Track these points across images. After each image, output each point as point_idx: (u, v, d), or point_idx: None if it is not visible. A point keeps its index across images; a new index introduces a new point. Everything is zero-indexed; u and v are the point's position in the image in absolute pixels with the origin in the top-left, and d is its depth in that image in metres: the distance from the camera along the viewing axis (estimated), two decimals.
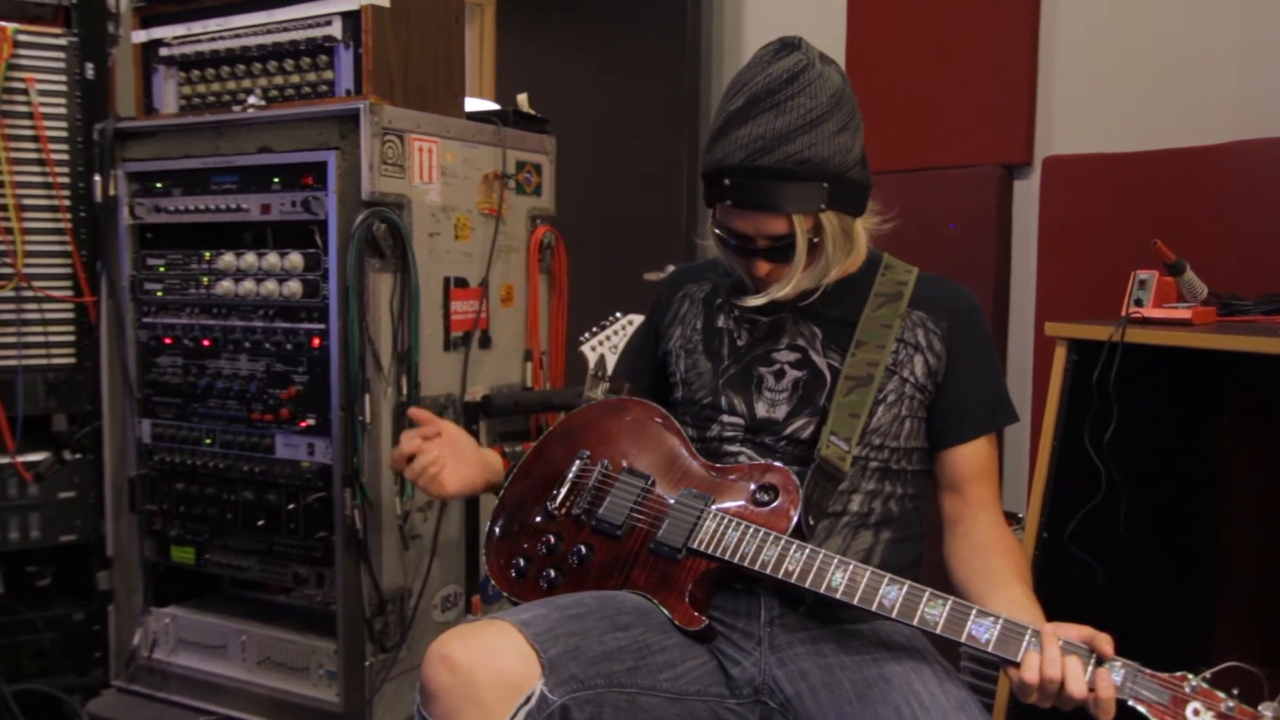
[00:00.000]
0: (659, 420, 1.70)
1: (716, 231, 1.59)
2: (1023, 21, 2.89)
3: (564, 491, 1.66)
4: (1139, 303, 1.97)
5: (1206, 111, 2.62)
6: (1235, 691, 1.17)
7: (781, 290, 1.55)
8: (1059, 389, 1.96)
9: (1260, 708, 1.14)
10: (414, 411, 1.83)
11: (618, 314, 2.49)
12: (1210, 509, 2.36)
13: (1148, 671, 1.22)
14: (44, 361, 2.60)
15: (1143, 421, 1.95)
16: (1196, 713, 1.16)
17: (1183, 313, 1.91)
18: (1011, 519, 2.33)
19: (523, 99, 2.77)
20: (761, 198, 1.49)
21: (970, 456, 1.60)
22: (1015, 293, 2.95)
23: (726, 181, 1.50)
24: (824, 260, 1.55)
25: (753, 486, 1.55)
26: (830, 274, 1.59)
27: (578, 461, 1.69)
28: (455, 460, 1.75)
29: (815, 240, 1.52)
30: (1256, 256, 2.35)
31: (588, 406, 1.81)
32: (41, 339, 2.59)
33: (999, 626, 1.30)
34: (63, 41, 2.59)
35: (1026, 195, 2.92)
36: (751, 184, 1.48)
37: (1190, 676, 1.19)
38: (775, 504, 1.53)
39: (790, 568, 1.43)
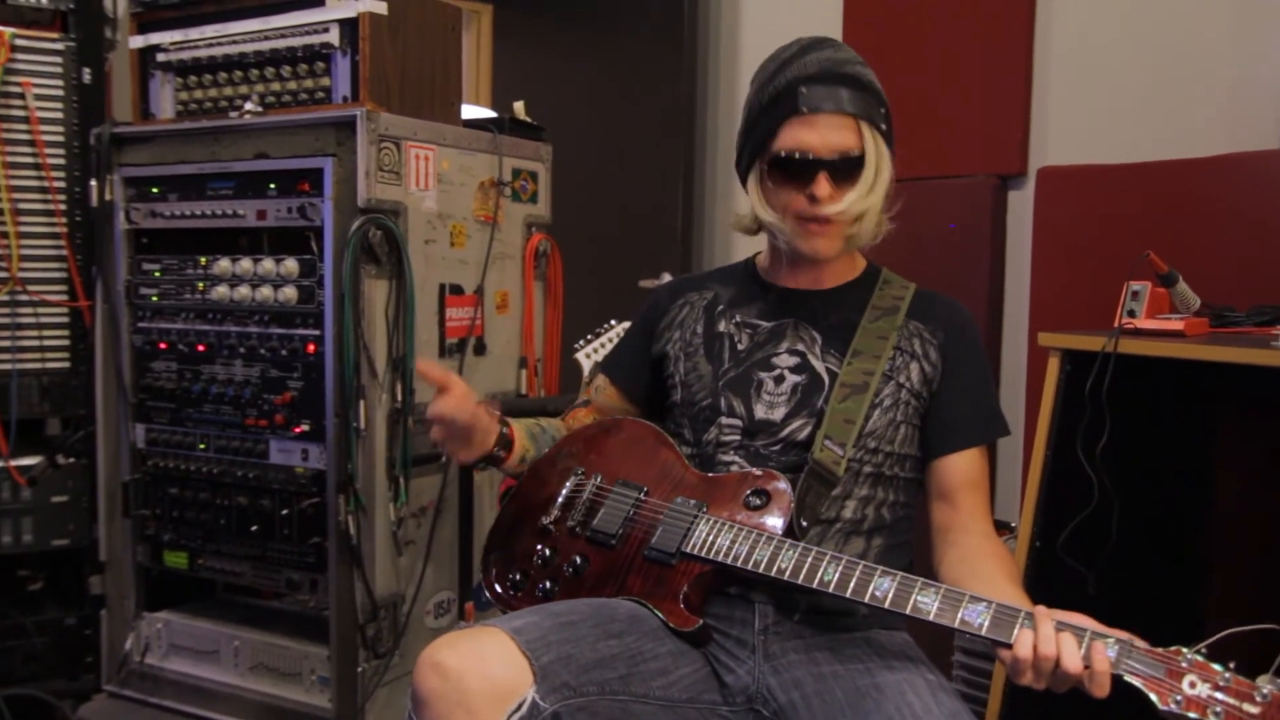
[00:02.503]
0: (653, 436, 1.71)
1: (776, 158, 1.58)
2: (1018, 32, 2.90)
3: (559, 507, 1.67)
4: (1132, 314, 1.98)
5: (1200, 124, 2.63)
6: (1232, 664, 1.16)
7: (838, 207, 1.55)
8: (1052, 399, 1.96)
9: (1259, 680, 1.14)
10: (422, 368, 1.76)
11: (612, 321, 2.50)
12: (1202, 519, 2.37)
13: (1142, 646, 1.21)
14: (38, 365, 2.60)
15: (1135, 432, 1.95)
16: (1193, 685, 1.15)
17: (1175, 324, 1.91)
18: (1004, 528, 2.34)
19: (519, 107, 2.78)
20: (841, 101, 1.54)
21: (962, 466, 1.61)
22: (1009, 303, 2.96)
23: (803, 90, 1.54)
24: (870, 206, 1.57)
25: (746, 492, 1.56)
26: (864, 236, 1.61)
27: (572, 478, 1.70)
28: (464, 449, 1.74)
29: (877, 169, 1.57)
30: (1249, 268, 2.35)
31: (582, 427, 1.81)
32: (36, 343, 2.60)
33: (992, 610, 1.30)
34: (60, 46, 2.59)
35: (1021, 205, 2.92)
36: (831, 89, 1.54)
37: (1185, 650, 1.18)
38: (768, 507, 1.53)
39: (783, 566, 1.44)
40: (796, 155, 1.55)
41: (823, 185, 1.54)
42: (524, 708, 1.30)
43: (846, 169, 1.55)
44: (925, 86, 3.03)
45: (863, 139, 1.55)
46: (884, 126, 1.59)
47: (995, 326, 2.95)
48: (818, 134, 1.54)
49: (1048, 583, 1.93)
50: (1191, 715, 1.14)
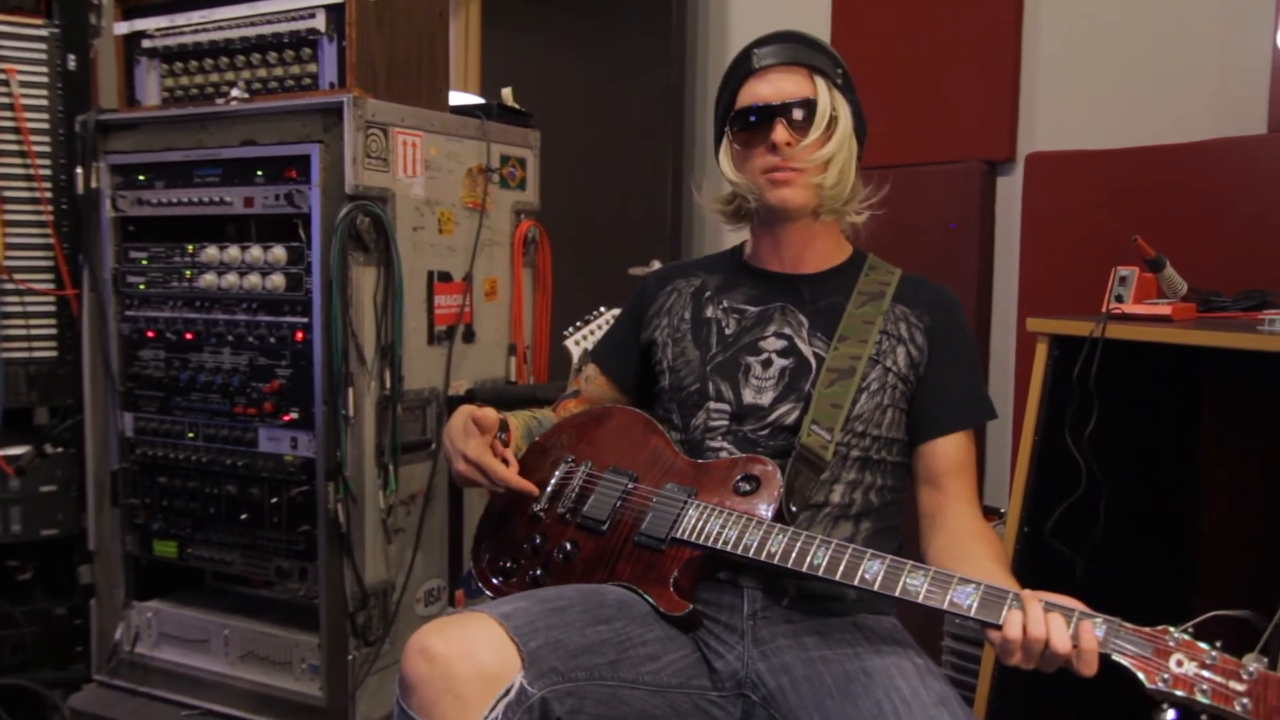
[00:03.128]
0: (642, 424, 1.71)
1: (735, 117, 1.67)
2: (1006, 17, 2.90)
3: (549, 495, 1.67)
4: (1120, 299, 1.98)
5: (1188, 109, 2.64)
6: (1219, 643, 1.17)
7: (796, 150, 1.61)
8: (1040, 384, 1.97)
9: (1245, 658, 1.15)
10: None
11: (601, 309, 2.49)
12: (1190, 503, 2.38)
13: (1129, 626, 1.22)
14: (25, 354, 2.59)
15: (1123, 416, 1.96)
16: (1180, 664, 1.16)
17: (1163, 309, 1.91)
18: (993, 514, 2.35)
19: (507, 93, 2.77)
20: (789, 54, 1.65)
21: (949, 450, 1.62)
22: (997, 288, 2.96)
23: (756, 51, 1.67)
24: (833, 161, 1.63)
25: (735, 477, 1.56)
26: (829, 187, 1.64)
27: (562, 466, 1.70)
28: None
29: (832, 116, 1.63)
30: (1236, 253, 2.36)
31: (571, 416, 1.81)
32: (23, 332, 2.58)
33: (980, 592, 1.30)
34: (44, 33, 2.58)
35: (1009, 191, 2.93)
36: (780, 46, 1.66)
37: (1172, 630, 1.19)
38: (757, 492, 1.53)
39: (773, 550, 1.44)
40: (753, 107, 1.64)
41: (780, 131, 1.61)
42: (512, 693, 1.30)
43: (802, 115, 1.62)
44: (914, 72, 3.03)
45: (815, 88, 1.64)
46: (839, 82, 1.66)
47: (984, 312, 2.96)
48: (770, 85, 1.65)
49: (1036, 568, 1.94)
50: (1179, 693, 1.15)
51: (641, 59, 3.64)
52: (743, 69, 1.67)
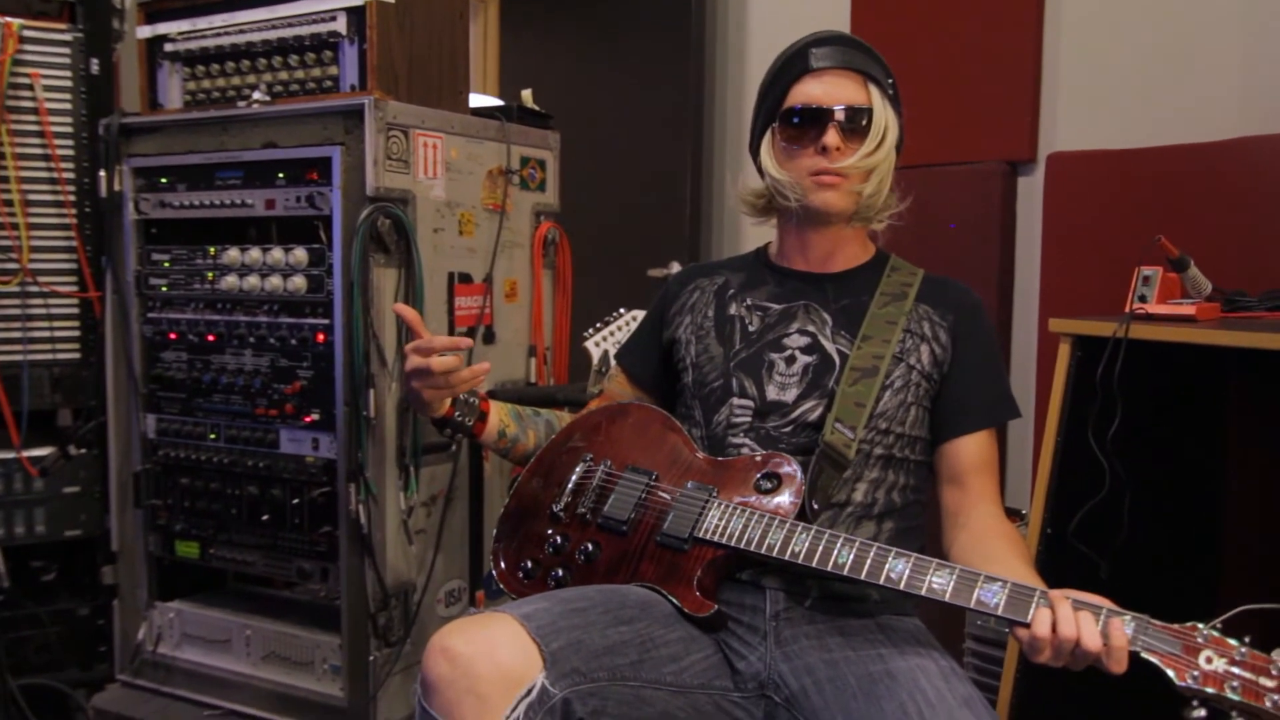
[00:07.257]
0: (660, 421, 1.71)
1: (787, 115, 1.65)
2: (1027, 18, 2.89)
3: (568, 493, 1.67)
4: (1143, 299, 1.97)
5: (1210, 107, 2.62)
6: (1247, 639, 1.17)
7: (847, 160, 1.60)
8: (1063, 385, 1.96)
9: (1274, 653, 1.14)
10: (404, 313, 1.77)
11: (621, 310, 2.50)
12: (1214, 504, 2.36)
13: (1158, 623, 1.21)
14: (49, 357, 2.61)
15: (1146, 417, 1.95)
16: (1209, 660, 1.16)
17: (1187, 309, 1.90)
18: (1015, 515, 2.33)
19: (527, 95, 2.77)
20: (848, 58, 1.64)
21: (972, 449, 1.61)
22: (1019, 289, 2.95)
23: (813, 50, 1.65)
24: (876, 170, 1.63)
25: (756, 475, 1.56)
26: (868, 195, 1.64)
27: (581, 465, 1.70)
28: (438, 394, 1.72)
29: (885, 127, 1.63)
30: (1261, 252, 2.34)
31: (589, 413, 1.81)
32: (47, 334, 2.60)
33: (1007, 590, 1.30)
34: (68, 37, 2.59)
35: (1030, 191, 2.92)
36: (838, 49, 1.65)
37: (1201, 626, 1.19)
38: (779, 490, 1.53)
39: (796, 549, 1.44)
40: (808, 108, 1.62)
41: (832, 135, 1.61)
42: (533, 693, 1.30)
43: (855, 122, 1.61)
44: (934, 73, 3.02)
45: (870, 96, 1.63)
46: (890, 93, 1.66)
47: (1005, 312, 2.95)
48: (825, 87, 1.63)
49: (1060, 570, 1.93)
50: (1209, 690, 1.15)
51: (660, 60, 3.65)
52: (798, 66, 1.65)
